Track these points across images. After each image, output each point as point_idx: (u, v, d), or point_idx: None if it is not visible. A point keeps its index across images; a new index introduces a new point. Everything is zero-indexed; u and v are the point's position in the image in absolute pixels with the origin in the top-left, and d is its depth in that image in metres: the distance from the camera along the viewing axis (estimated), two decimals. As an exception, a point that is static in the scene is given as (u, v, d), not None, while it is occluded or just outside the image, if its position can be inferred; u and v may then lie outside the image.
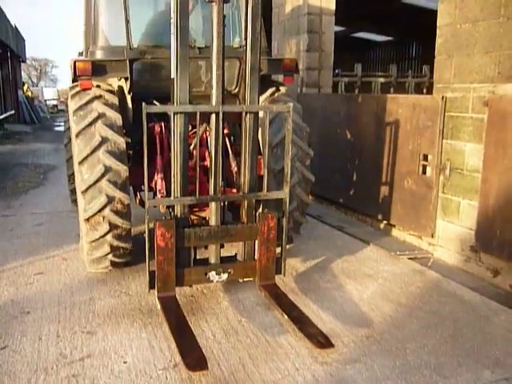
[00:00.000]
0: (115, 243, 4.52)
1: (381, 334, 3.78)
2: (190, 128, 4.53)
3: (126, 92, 4.92)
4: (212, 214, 4.12)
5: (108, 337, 3.74)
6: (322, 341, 3.56)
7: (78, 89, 4.65)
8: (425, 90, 11.01)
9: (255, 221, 4.18)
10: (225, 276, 4.15)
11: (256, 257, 4.22)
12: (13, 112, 19.80)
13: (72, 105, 4.55)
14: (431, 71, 12.76)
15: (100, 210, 4.35)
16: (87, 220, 4.39)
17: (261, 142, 4.65)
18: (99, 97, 4.59)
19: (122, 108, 4.73)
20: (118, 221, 4.42)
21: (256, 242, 4.21)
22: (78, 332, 3.80)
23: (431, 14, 14.74)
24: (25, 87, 30.88)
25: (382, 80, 11.35)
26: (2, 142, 15.83)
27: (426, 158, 5.53)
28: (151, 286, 3.97)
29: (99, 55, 4.75)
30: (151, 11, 5.15)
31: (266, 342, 3.69)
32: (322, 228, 6.56)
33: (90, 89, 4.62)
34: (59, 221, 6.77)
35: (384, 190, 6.21)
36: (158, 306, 3.92)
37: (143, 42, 4.86)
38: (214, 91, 3.90)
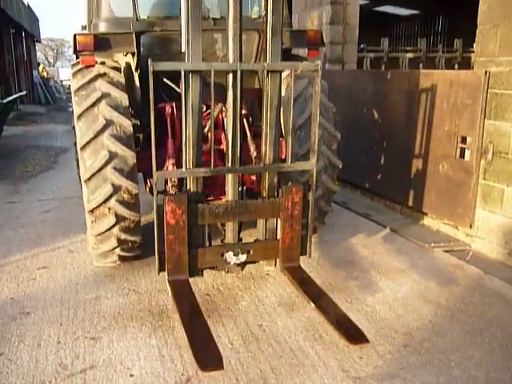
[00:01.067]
0: (123, 236, 4.11)
1: (420, 343, 3.34)
2: (204, 109, 4.06)
3: (133, 69, 4.46)
4: (229, 188, 3.66)
5: (113, 344, 3.35)
6: (356, 335, 3.12)
7: (79, 66, 4.21)
8: (456, 66, 10.34)
9: (277, 196, 3.73)
10: (243, 257, 3.72)
11: (279, 236, 3.78)
12: (24, 93, 19.42)
13: (73, 84, 4.11)
14: (463, 45, 12.13)
15: (105, 201, 3.94)
16: (91, 211, 3.99)
17: (282, 123, 4.16)
18: (103, 75, 4.15)
19: (129, 87, 4.29)
20: (125, 212, 4.01)
21: (279, 219, 3.78)
22: (81, 337, 3.42)
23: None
24: (40, 67, 30.58)
25: (410, 55, 10.67)
26: (14, 123, 15.52)
27: (464, 140, 5.00)
28: (161, 269, 3.57)
29: (103, 28, 4.30)
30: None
31: (290, 351, 3.27)
32: (346, 215, 6.08)
33: (93, 66, 4.18)
34: (67, 208, 6.40)
35: (415, 174, 5.70)
36: (169, 292, 3.54)
37: (152, 13, 4.39)
38: (230, 47, 3.41)
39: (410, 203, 5.89)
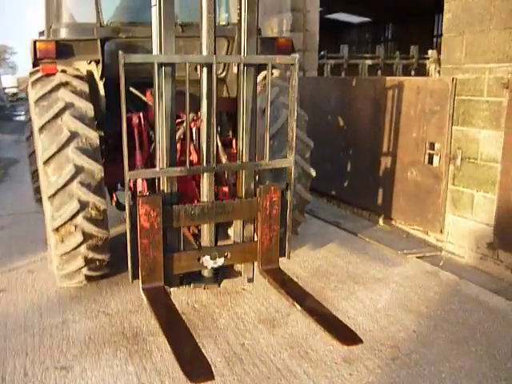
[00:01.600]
0: (90, 255, 3.86)
1: (408, 355, 3.27)
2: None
3: (97, 78, 4.22)
4: (204, 188, 3.51)
5: (87, 373, 3.11)
6: (348, 335, 2.99)
7: (39, 74, 3.94)
8: (413, 72, 10.55)
9: (255, 195, 3.61)
10: (221, 261, 3.57)
11: (256, 237, 3.65)
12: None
13: (33, 94, 3.84)
14: (419, 52, 12.43)
15: (71, 218, 3.68)
16: (56, 230, 3.71)
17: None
18: (65, 84, 3.90)
19: (92, 96, 4.05)
20: (93, 229, 3.76)
21: (256, 220, 3.65)
22: (50, 368, 3.16)
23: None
24: (-20, 75, 29.22)
25: (369, 62, 10.80)
26: (-45, 134, 14.70)
27: (432, 146, 5.04)
28: (134, 276, 3.34)
29: (64, 34, 4.04)
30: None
31: (277, 371, 3.13)
32: (315, 224, 6.01)
33: (54, 74, 3.92)
34: (23, 224, 6.02)
35: (383, 181, 5.70)
36: (144, 300, 3.32)
37: (116, 19, 4.17)
38: (204, 41, 3.28)
39: (378, 210, 5.89)
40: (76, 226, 3.72)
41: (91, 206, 3.73)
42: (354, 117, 6.05)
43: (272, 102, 4.29)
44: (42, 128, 3.69)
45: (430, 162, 5.09)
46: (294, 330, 3.59)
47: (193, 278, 3.75)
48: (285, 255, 3.80)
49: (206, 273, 3.76)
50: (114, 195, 4.59)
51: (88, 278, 4.10)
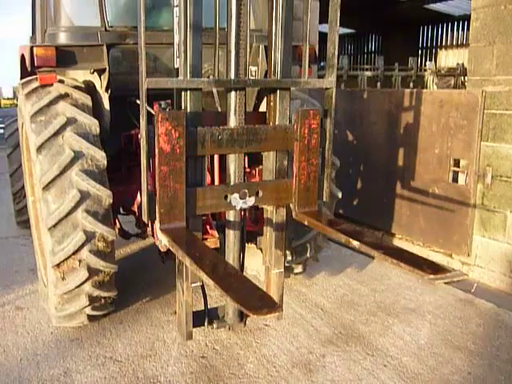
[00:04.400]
0: (95, 293, 3.35)
1: (472, 405, 2.88)
2: None
3: (98, 89, 3.74)
4: (231, 109, 2.91)
5: None
6: (434, 267, 2.43)
7: (34, 85, 3.43)
8: (411, 84, 10.34)
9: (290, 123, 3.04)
10: (251, 200, 2.95)
11: (294, 173, 3.03)
12: None
13: (28, 107, 3.33)
14: (418, 63, 12.28)
15: (75, 252, 3.18)
16: (57, 266, 3.19)
17: None
18: (65, 96, 3.41)
19: (94, 111, 3.57)
20: (99, 264, 3.26)
21: (291, 152, 3.06)
22: None
23: (396, 5, 14.32)
24: None
25: (368, 74, 10.52)
26: None
27: (457, 163, 4.71)
28: (150, 216, 2.71)
29: (64, 39, 3.55)
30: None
31: (328, 430, 2.68)
32: (328, 246, 5.60)
33: (51, 85, 3.42)
34: (5, 250, 5.42)
35: (400, 200, 5.35)
36: (164, 241, 2.64)
37: (122, 23, 3.70)
38: (232, 61, 2.81)
39: (394, 230, 5.53)
40: (80, 261, 3.22)
41: (98, 238, 3.23)
42: (366, 132, 5.69)
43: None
44: (40, 147, 3.18)
45: (455, 179, 4.76)
46: (334, 376, 3.16)
47: (213, 315, 3.29)
48: (323, 197, 3.20)
49: (230, 310, 3.30)
50: (117, 221, 4.08)
51: (90, 318, 3.59)
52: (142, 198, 2.66)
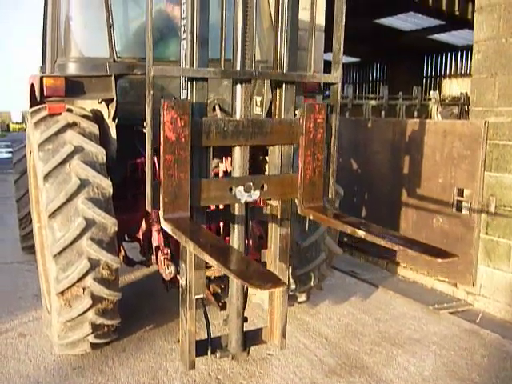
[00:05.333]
0: (99, 321, 3.35)
1: None
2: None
3: (105, 118, 3.80)
4: (238, 101, 2.88)
5: None
6: (440, 251, 2.46)
7: (43, 114, 3.50)
8: (416, 113, 10.44)
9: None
10: (256, 194, 2.91)
11: (299, 167, 2.98)
12: None
13: (37, 135, 3.38)
14: (423, 92, 12.41)
15: (79, 280, 3.19)
16: (61, 293, 3.21)
17: None
18: (73, 124, 3.47)
19: (101, 139, 3.63)
20: (103, 292, 3.27)
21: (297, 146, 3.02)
22: None
23: (401, 35, 14.56)
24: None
25: (373, 102, 10.63)
26: None
27: (461, 192, 4.73)
28: (154, 205, 2.66)
29: (73, 69, 3.63)
30: (139, 12, 4.04)
31: None
32: (332, 274, 5.58)
33: (59, 114, 3.49)
34: (9, 276, 5.43)
35: (405, 228, 5.36)
36: (167, 229, 2.60)
37: (130, 54, 3.78)
38: (238, 55, 2.79)
39: (398, 259, 5.52)
40: (84, 289, 3.23)
41: (103, 266, 3.25)
42: (370, 160, 5.74)
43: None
44: (47, 175, 3.23)
45: (459, 209, 4.77)
46: (338, 408, 3.13)
47: (217, 344, 3.28)
48: (328, 194, 3.15)
49: (233, 340, 3.28)
50: (122, 249, 4.10)
51: (93, 346, 3.58)
52: (147, 188, 2.63)
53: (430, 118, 9.84)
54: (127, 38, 3.94)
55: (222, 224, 3.78)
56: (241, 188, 2.85)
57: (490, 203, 4.48)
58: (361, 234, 2.63)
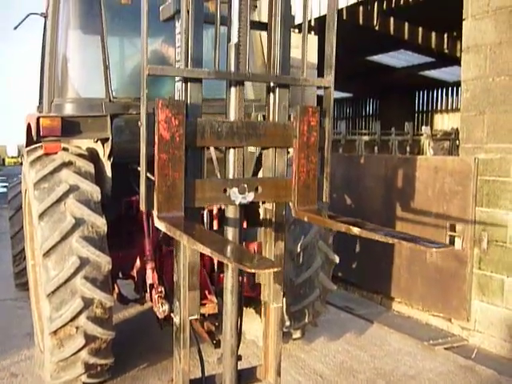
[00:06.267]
0: (92, 361, 3.34)
1: None
2: None
3: (101, 157, 3.86)
4: (231, 103, 2.88)
5: None
6: (431, 241, 2.43)
7: (39, 153, 3.55)
8: (408, 148, 10.59)
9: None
10: (251, 195, 2.90)
11: (293, 170, 2.96)
12: None
13: (32, 174, 3.43)
14: (415, 127, 12.60)
15: (73, 319, 3.19)
16: (54, 333, 3.20)
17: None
18: (69, 163, 3.52)
19: (96, 178, 3.67)
20: (96, 331, 3.27)
21: (290, 150, 3.01)
22: None
23: (392, 71, 14.90)
24: None
25: (366, 138, 10.78)
26: None
27: (453, 228, 4.77)
28: (148, 205, 2.62)
29: (69, 110, 3.70)
30: (135, 52, 4.15)
31: None
32: (326, 309, 5.57)
33: (55, 153, 3.54)
34: (1, 314, 5.39)
35: (398, 263, 5.37)
36: (161, 228, 2.57)
37: (125, 94, 3.87)
38: (232, 58, 2.80)
39: (393, 294, 5.51)
40: (77, 328, 3.22)
41: (96, 304, 3.25)
42: (363, 195, 5.79)
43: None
44: (42, 214, 3.26)
45: (452, 244, 4.80)
46: None
47: (211, 383, 3.24)
48: (322, 198, 3.11)
49: (227, 378, 3.26)
50: (116, 286, 4.10)
51: (85, 386, 3.55)
52: (141, 187, 2.62)
53: (423, 152, 9.96)
54: (123, 78, 4.03)
55: None
56: (235, 189, 2.85)
57: (482, 238, 4.52)
58: (355, 231, 2.65)
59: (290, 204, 3.02)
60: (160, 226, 2.58)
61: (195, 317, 2.97)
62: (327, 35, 3.05)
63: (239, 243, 2.93)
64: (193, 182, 2.73)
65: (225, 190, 2.81)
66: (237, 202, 2.87)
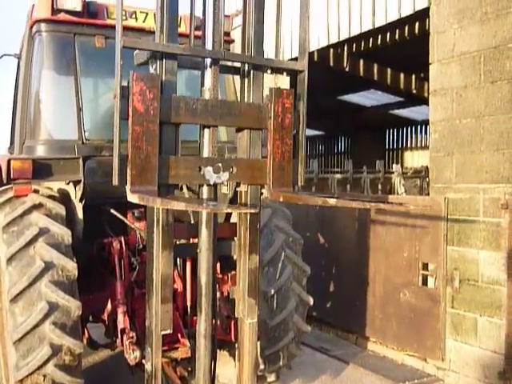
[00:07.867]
0: (59, 411, 3.20)
1: None
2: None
3: (73, 199, 3.81)
4: (205, 82, 2.88)
5: None
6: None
7: (9, 195, 3.48)
8: (380, 186, 10.76)
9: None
10: (225, 175, 2.86)
11: (268, 152, 2.94)
12: None
13: (1, 217, 3.35)
14: (386, 165, 12.79)
15: (40, 367, 3.07)
16: (20, 382, 3.07)
17: None
18: (39, 206, 3.45)
19: (67, 220, 3.61)
20: (65, 379, 3.15)
21: (266, 131, 2.98)
22: None
23: (363, 110, 15.27)
24: None
25: (338, 176, 10.92)
26: None
27: (426, 266, 4.82)
28: (121, 180, 2.56)
29: (41, 151, 3.66)
30: (108, 96, 4.16)
31: None
32: (300, 353, 5.50)
33: (26, 195, 3.48)
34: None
35: (372, 303, 5.38)
36: (134, 200, 2.48)
37: (98, 136, 3.85)
38: (209, 36, 2.87)
39: (367, 333, 5.49)
40: (45, 376, 3.11)
41: (65, 351, 3.15)
42: (337, 235, 5.83)
43: (265, 225, 4.00)
44: (10, 258, 3.18)
45: (425, 283, 4.85)
46: None
47: None
48: (297, 182, 3.10)
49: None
50: (86, 331, 3.99)
51: None
52: (114, 161, 2.57)
53: (394, 190, 10.15)
54: (96, 120, 4.02)
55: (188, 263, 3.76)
56: (210, 168, 2.82)
57: (454, 277, 4.57)
58: (332, 202, 2.70)
59: (265, 187, 3.01)
60: (133, 198, 2.51)
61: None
62: (300, 21, 3.03)
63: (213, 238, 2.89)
64: (167, 159, 2.71)
65: (199, 169, 2.78)
66: (211, 182, 2.84)
